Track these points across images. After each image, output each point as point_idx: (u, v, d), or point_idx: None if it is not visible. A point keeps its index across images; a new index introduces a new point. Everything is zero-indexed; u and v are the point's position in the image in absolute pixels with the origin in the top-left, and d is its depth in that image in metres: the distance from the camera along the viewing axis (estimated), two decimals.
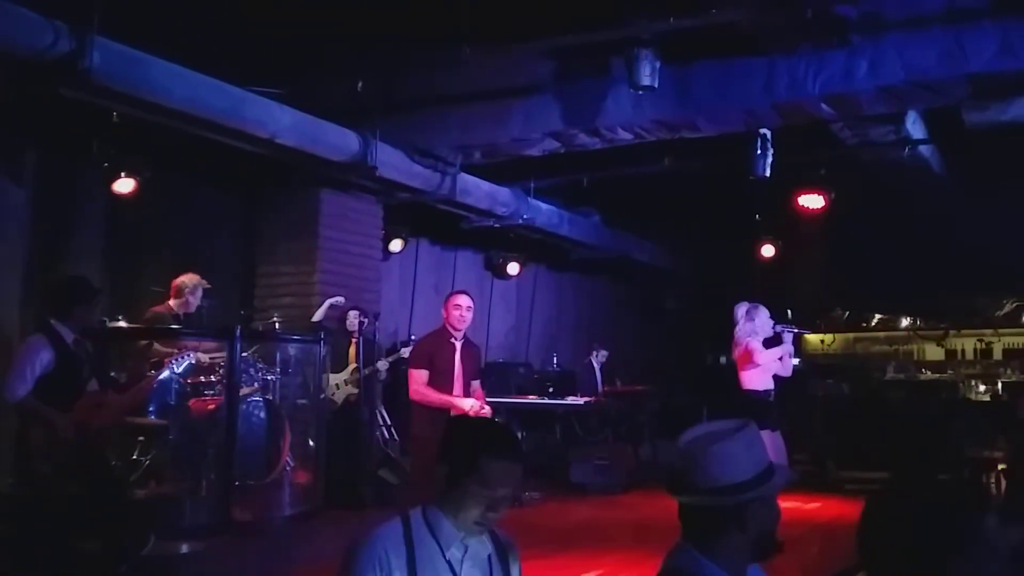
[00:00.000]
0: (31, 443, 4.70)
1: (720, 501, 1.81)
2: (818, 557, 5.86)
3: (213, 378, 6.46)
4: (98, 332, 5.77)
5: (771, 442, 6.45)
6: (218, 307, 6.96)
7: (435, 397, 5.25)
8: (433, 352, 5.36)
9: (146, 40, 5.75)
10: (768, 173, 7.35)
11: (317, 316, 7.56)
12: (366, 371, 7.44)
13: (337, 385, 7.45)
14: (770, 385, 6.67)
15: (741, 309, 6.74)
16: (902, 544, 1.54)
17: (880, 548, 1.59)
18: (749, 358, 6.57)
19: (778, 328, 6.67)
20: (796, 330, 6.92)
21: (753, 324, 6.66)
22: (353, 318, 7.35)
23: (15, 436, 4.77)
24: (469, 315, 5.44)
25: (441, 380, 5.35)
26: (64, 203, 7.02)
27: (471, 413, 5.45)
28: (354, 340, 7.25)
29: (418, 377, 5.31)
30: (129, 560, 4.87)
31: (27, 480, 4.77)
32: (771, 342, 6.72)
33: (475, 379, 5.56)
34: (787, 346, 6.75)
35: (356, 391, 7.34)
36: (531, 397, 10.09)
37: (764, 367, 6.68)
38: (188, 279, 6.57)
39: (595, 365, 10.92)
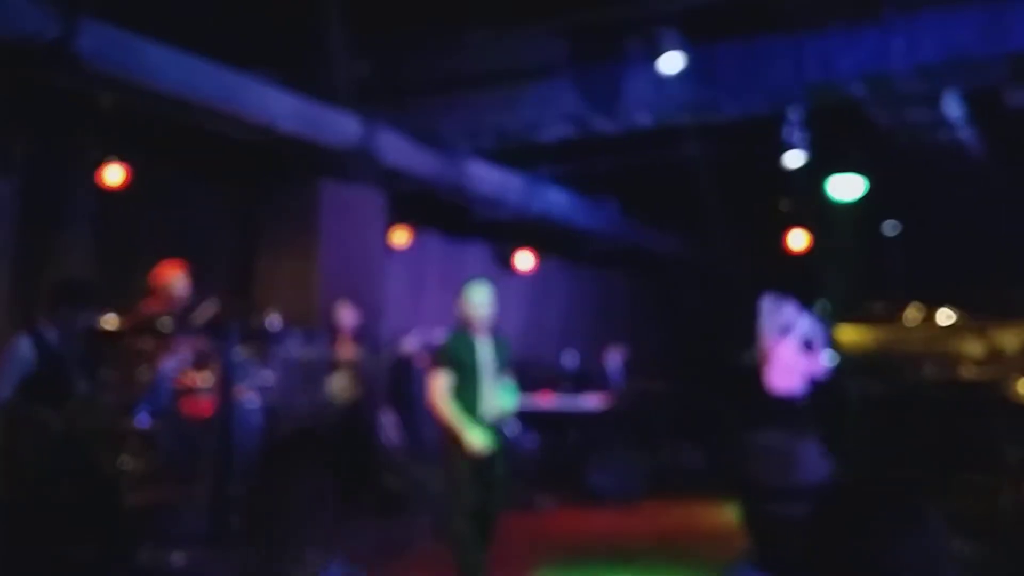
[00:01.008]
0: (19, 447, 4.67)
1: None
2: None
3: (208, 379, 6.21)
4: (87, 331, 5.61)
5: (804, 452, 6.10)
6: (213, 304, 6.73)
7: (445, 414, 5.04)
8: (461, 354, 5.12)
9: (138, 23, 5.64)
10: (802, 159, 7.14)
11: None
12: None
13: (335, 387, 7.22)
14: (798, 385, 6.31)
15: (767, 302, 6.45)
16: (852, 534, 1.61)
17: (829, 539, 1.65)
18: (767, 358, 6.29)
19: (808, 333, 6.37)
20: (823, 326, 6.62)
21: (776, 319, 6.35)
22: (345, 314, 7.02)
23: (1, 440, 4.73)
24: (491, 306, 5.25)
25: (473, 382, 5.10)
26: (54, 196, 6.90)
27: None
28: (348, 338, 6.96)
29: (439, 380, 5.09)
30: (121, 569, 4.83)
31: (15, 485, 4.69)
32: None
33: (506, 368, 5.32)
34: (815, 340, 6.41)
35: (356, 391, 7.10)
36: (545, 394, 9.87)
37: (787, 365, 6.34)
38: (163, 277, 6.29)
39: (612, 365, 10.73)
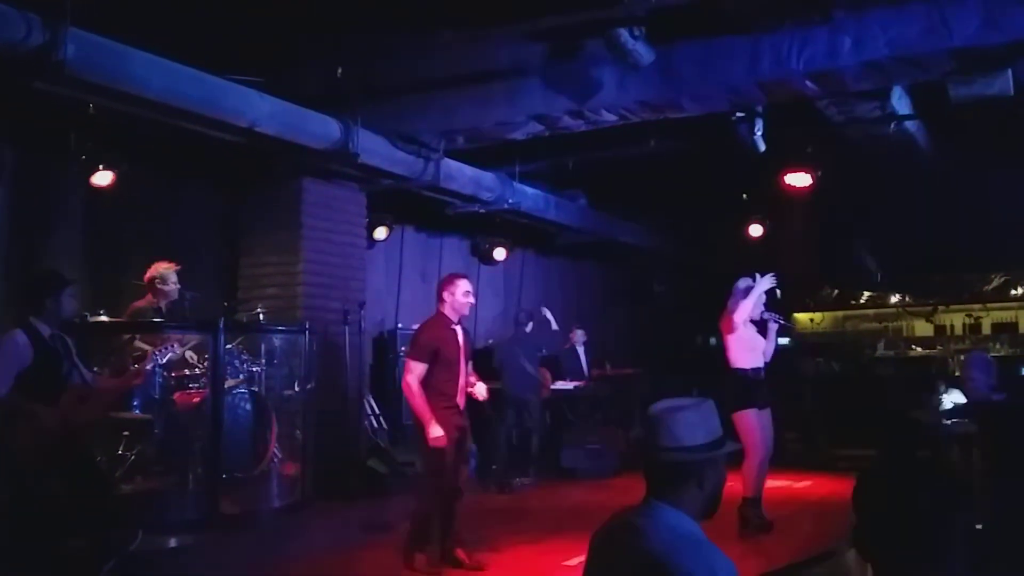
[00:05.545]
0: (14, 441, 4.67)
1: (685, 457, 2.14)
2: (810, 534, 5.88)
3: (198, 371, 6.41)
4: (79, 326, 5.75)
5: (760, 420, 6.44)
6: (201, 299, 6.90)
7: (419, 402, 5.19)
8: (439, 344, 5.28)
9: (121, 30, 5.65)
10: (763, 147, 7.35)
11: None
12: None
13: None
14: (759, 363, 6.64)
15: (741, 284, 6.72)
16: (897, 514, 1.75)
17: (874, 521, 1.78)
18: (729, 323, 6.55)
19: (765, 315, 6.65)
20: (782, 321, 6.91)
21: (747, 301, 6.63)
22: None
23: None
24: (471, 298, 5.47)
25: (449, 371, 5.28)
26: (43, 199, 6.94)
27: (472, 393, 5.45)
28: None
29: (416, 369, 5.22)
30: (117, 556, 4.84)
31: (11, 478, 4.73)
32: (757, 325, 6.71)
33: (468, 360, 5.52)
34: (770, 333, 6.73)
35: None
36: None
37: (750, 345, 6.63)
38: (155, 271, 6.50)
39: (578, 348, 10.80)
